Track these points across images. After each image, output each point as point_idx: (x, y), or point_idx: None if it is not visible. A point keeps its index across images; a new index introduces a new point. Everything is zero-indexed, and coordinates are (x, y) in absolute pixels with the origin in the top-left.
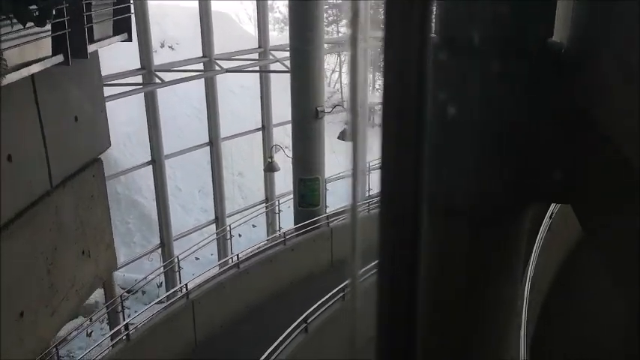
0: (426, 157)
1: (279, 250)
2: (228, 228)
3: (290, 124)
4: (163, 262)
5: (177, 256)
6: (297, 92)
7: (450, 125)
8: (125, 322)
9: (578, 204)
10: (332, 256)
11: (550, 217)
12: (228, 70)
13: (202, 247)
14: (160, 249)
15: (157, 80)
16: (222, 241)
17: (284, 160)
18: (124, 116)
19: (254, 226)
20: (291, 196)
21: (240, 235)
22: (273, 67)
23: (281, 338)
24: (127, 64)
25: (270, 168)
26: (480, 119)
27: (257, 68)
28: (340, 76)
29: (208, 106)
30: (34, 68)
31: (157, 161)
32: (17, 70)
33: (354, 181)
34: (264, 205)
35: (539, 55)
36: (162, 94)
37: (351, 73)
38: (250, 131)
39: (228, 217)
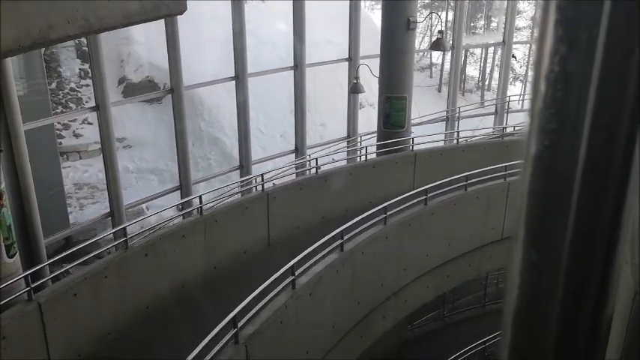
0: None
1: (360, 164)
2: (307, 157)
3: (377, 58)
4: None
5: (255, 177)
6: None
7: None
8: (199, 195)
9: None
10: (414, 182)
11: None
12: None
13: (281, 177)
14: (238, 170)
15: None
16: (301, 171)
17: (367, 117)
18: (211, 62)
19: (334, 160)
20: (374, 135)
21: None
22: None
23: (363, 226)
24: None
25: (354, 89)
26: None
27: None
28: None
29: (295, 27)
30: None
31: (239, 77)
32: None
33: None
34: (345, 140)
35: None
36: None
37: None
38: (336, 60)
39: (308, 149)
